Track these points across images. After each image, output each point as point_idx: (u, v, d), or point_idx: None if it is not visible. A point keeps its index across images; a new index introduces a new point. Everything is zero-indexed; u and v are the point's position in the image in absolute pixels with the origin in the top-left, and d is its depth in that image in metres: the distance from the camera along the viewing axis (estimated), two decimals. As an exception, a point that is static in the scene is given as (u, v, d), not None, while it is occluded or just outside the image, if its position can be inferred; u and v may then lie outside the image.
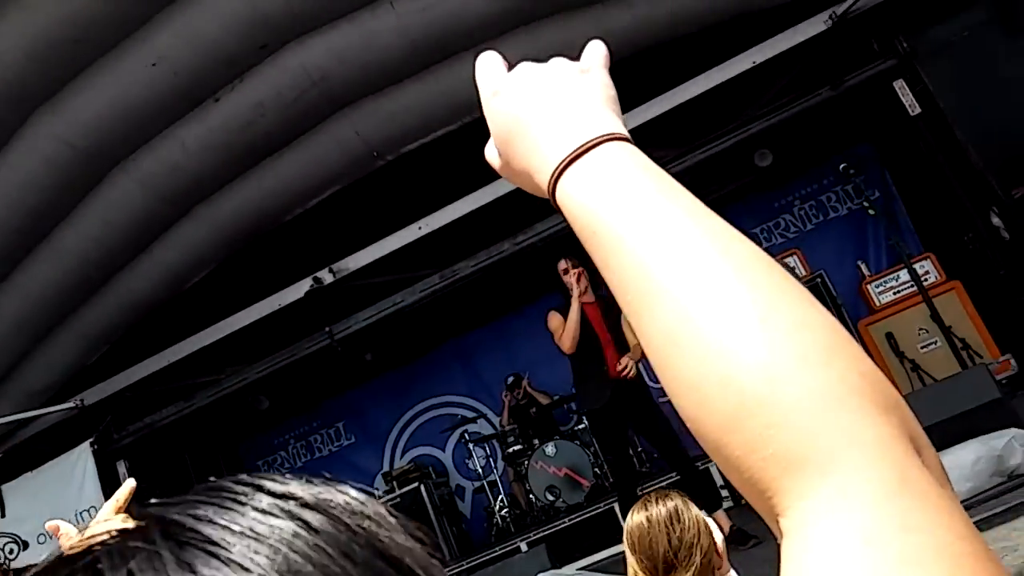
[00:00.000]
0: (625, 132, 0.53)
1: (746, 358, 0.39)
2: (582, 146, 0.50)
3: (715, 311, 0.41)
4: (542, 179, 0.52)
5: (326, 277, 7.16)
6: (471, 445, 8.25)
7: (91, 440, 7.64)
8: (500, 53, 0.61)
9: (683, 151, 6.69)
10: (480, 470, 8.19)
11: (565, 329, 5.18)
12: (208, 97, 5.75)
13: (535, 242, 6.96)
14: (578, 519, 6.95)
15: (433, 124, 6.47)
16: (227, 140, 5.93)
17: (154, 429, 7.65)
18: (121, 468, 7.77)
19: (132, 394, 7.77)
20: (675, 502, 1.98)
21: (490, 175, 5.56)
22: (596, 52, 0.59)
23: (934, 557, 0.33)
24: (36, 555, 7.50)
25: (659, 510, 1.97)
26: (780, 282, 0.43)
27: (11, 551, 7.40)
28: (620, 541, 5.39)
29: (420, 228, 7.01)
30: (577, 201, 0.49)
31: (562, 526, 6.91)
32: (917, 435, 0.39)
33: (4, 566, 5.77)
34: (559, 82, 0.56)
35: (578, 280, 5.20)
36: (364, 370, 9.58)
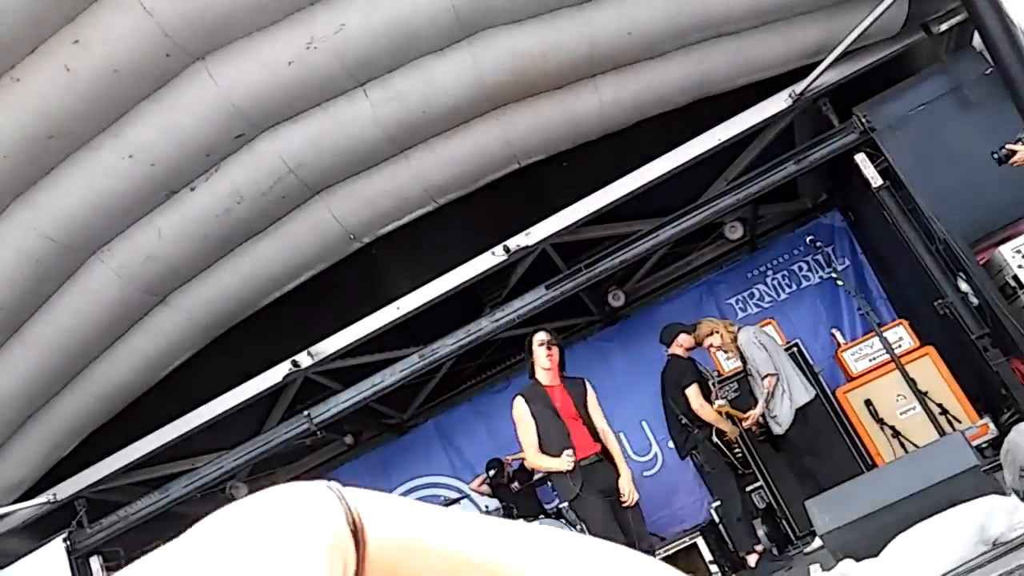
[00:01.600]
0: None
1: None
2: None
3: None
4: None
5: (304, 360, 7.12)
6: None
7: (64, 536, 7.42)
8: None
9: (657, 226, 6.81)
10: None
11: (530, 456, 5.11)
12: (184, 187, 5.81)
13: (513, 318, 6.99)
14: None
15: (408, 206, 6.56)
16: (203, 228, 5.97)
17: (128, 522, 7.44)
18: (95, 563, 7.53)
19: (106, 487, 7.59)
20: None
21: (465, 253, 5.64)
22: None
23: None
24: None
25: None
26: None
27: (-23, 657, 7.09)
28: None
29: (398, 308, 7.02)
30: None
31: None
32: None
33: None
34: None
35: (549, 358, 5.16)
36: (344, 452, 9.46)
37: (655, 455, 8.70)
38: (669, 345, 6.73)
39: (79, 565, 7.38)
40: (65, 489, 7.47)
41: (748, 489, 6.92)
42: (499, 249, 6.79)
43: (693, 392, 6.32)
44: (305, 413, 7.31)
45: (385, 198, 6.42)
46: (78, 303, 6.02)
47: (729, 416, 6.40)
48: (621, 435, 8.72)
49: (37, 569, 7.38)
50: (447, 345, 7.11)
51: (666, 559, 6.89)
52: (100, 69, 4.88)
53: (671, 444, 8.52)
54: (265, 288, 6.83)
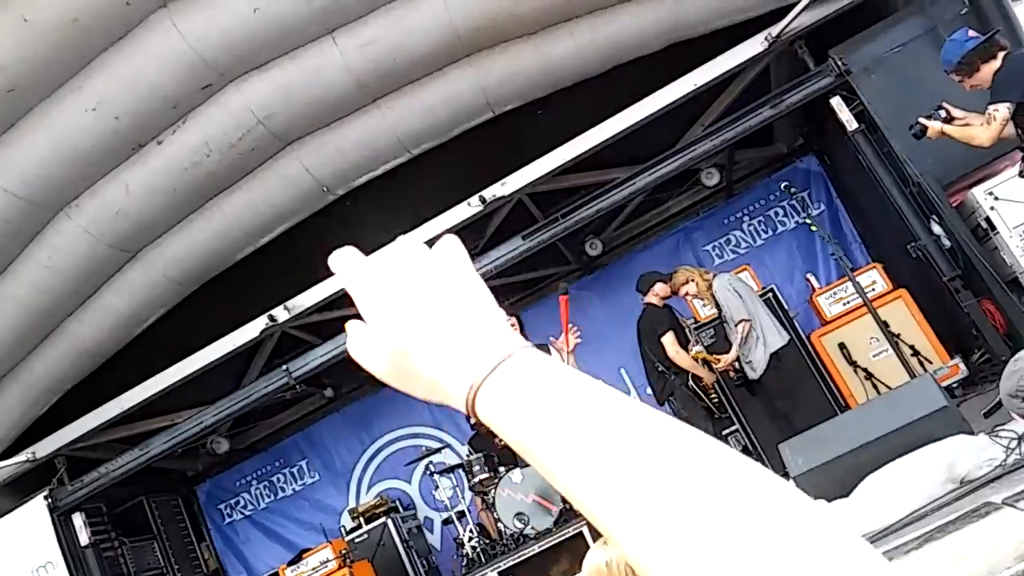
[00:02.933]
0: (518, 340, 0.53)
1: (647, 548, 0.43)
2: (492, 368, 0.51)
3: (626, 513, 0.44)
4: (456, 394, 0.52)
5: (281, 315, 7.09)
6: (437, 476, 8.17)
7: (45, 494, 7.43)
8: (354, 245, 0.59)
9: (634, 173, 6.78)
10: (447, 501, 8.12)
11: None
12: (151, 139, 5.69)
13: (489, 269, 6.98)
14: (548, 545, 6.91)
15: (381, 157, 6.48)
16: (172, 182, 5.87)
17: (109, 478, 7.45)
18: (78, 520, 7.56)
19: (86, 444, 7.58)
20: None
21: (441, 204, 5.57)
22: (456, 249, 0.60)
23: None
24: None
25: (618, 555, 1.89)
26: (679, 456, 0.45)
27: (-37, 614, 7.14)
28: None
29: (374, 261, 6.98)
30: (497, 417, 0.50)
31: (531, 553, 6.86)
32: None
33: None
34: (448, 290, 0.55)
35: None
36: (324, 406, 9.49)
37: (633, 402, 8.82)
38: (645, 294, 6.77)
39: (62, 522, 7.41)
40: (44, 447, 7.45)
41: (724, 433, 7.04)
42: (475, 199, 6.74)
43: (669, 340, 6.38)
44: (283, 367, 7.31)
45: (358, 149, 6.33)
46: (48, 260, 5.92)
47: (705, 362, 6.48)
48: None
49: (20, 526, 7.40)
50: (425, 297, 7.08)
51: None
52: (58, 18, 4.72)
53: (649, 391, 8.64)
54: (239, 242, 6.76)
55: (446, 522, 8.62)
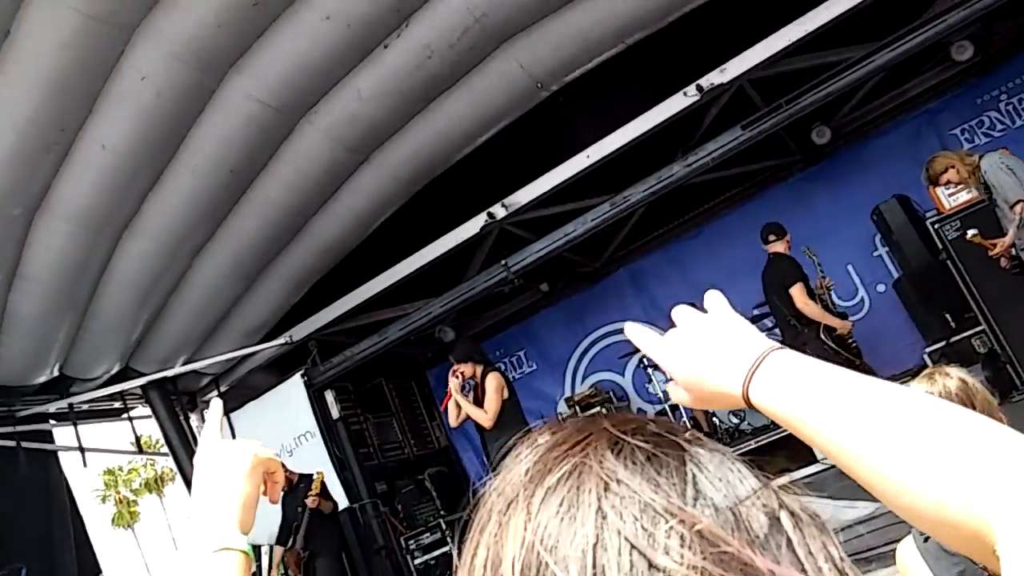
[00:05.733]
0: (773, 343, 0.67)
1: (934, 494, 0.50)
2: (759, 358, 0.63)
3: (900, 471, 0.51)
4: (733, 391, 0.65)
5: (499, 212, 7.35)
6: (650, 370, 8.29)
7: (301, 372, 8.43)
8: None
9: (872, 51, 6.17)
10: (660, 394, 8.24)
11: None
12: (378, 45, 5.97)
13: (706, 162, 6.75)
14: (765, 441, 6.85)
15: (594, 49, 6.36)
16: (398, 85, 6.16)
17: (354, 361, 8.28)
18: (329, 396, 8.53)
19: (333, 329, 8.46)
20: (960, 374, 1.81)
21: (657, 96, 5.44)
22: (719, 301, 0.75)
23: None
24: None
25: (947, 383, 1.77)
26: (936, 421, 0.52)
27: (243, 470, 8.38)
28: (813, 461, 5.20)
29: (588, 156, 7.00)
30: (767, 399, 0.62)
31: (747, 448, 6.84)
32: None
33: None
34: (715, 328, 0.71)
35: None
36: (541, 300, 9.82)
37: (862, 299, 8.31)
38: (769, 243, 6.32)
39: (316, 397, 8.40)
40: (299, 332, 8.42)
41: (967, 334, 6.48)
42: (691, 89, 6.49)
43: (798, 291, 5.97)
44: (502, 263, 7.62)
45: (571, 43, 6.26)
46: (294, 164, 6.51)
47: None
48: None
49: (283, 399, 8.49)
50: (638, 192, 7.03)
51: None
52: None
53: (880, 287, 8.11)
54: (459, 143, 7.02)
55: (659, 415, 8.76)
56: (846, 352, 6.10)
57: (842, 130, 8.11)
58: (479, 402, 5.56)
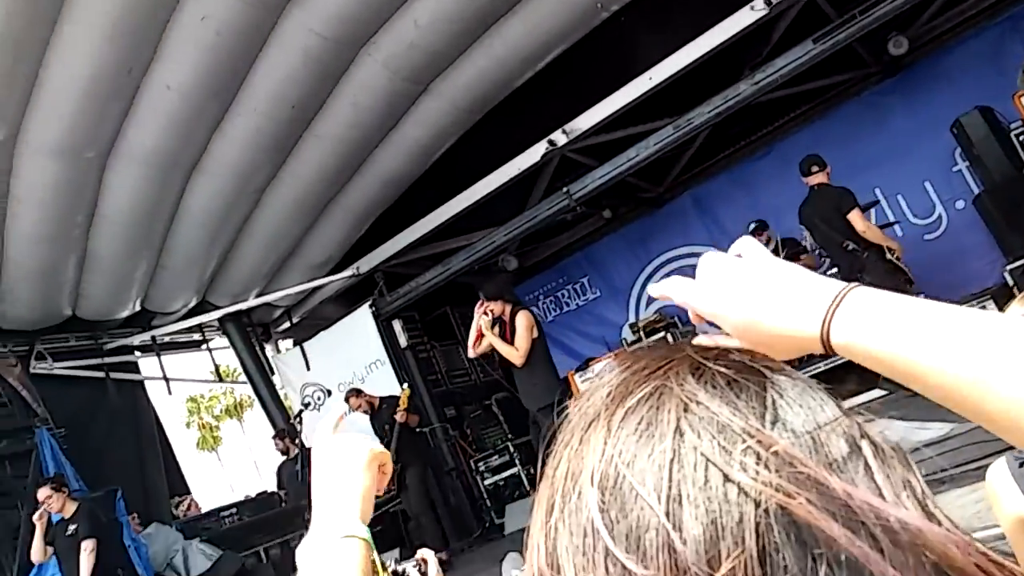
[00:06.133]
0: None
1: None
2: (838, 296, 0.56)
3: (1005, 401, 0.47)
4: (810, 334, 0.57)
5: (560, 139, 7.26)
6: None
7: (369, 303, 8.62)
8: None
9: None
10: (726, 319, 8.17)
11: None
12: (433, -29, 5.86)
13: (775, 79, 6.50)
14: (832, 365, 6.76)
15: (657, -35, 6.12)
16: (454, 11, 6.05)
17: (419, 291, 8.42)
18: (397, 325, 8.73)
19: (399, 261, 8.58)
20: None
21: (723, 12, 5.22)
22: (755, 246, 0.67)
23: None
24: (338, 400, 8.79)
25: None
26: None
27: (318, 397, 8.71)
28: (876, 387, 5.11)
29: (650, 79, 6.80)
30: (852, 338, 0.56)
31: (817, 371, 6.77)
32: None
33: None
34: (765, 267, 0.62)
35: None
36: (603, 226, 9.75)
37: (939, 216, 8.00)
38: (809, 175, 6.03)
39: (384, 327, 8.60)
40: (365, 264, 8.57)
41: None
42: (759, 2, 6.20)
43: (857, 215, 5.75)
44: (564, 190, 7.55)
45: (632, -42, 6.03)
46: (355, 97, 6.51)
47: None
48: (899, 198, 8.11)
49: (353, 329, 8.73)
50: (703, 113, 6.83)
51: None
52: None
53: (958, 204, 7.79)
54: (517, 68, 6.90)
55: (724, 339, 8.71)
56: (905, 273, 5.97)
57: (920, 40, 7.66)
58: (506, 339, 5.62)
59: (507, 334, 5.64)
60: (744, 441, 0.39)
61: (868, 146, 7.97)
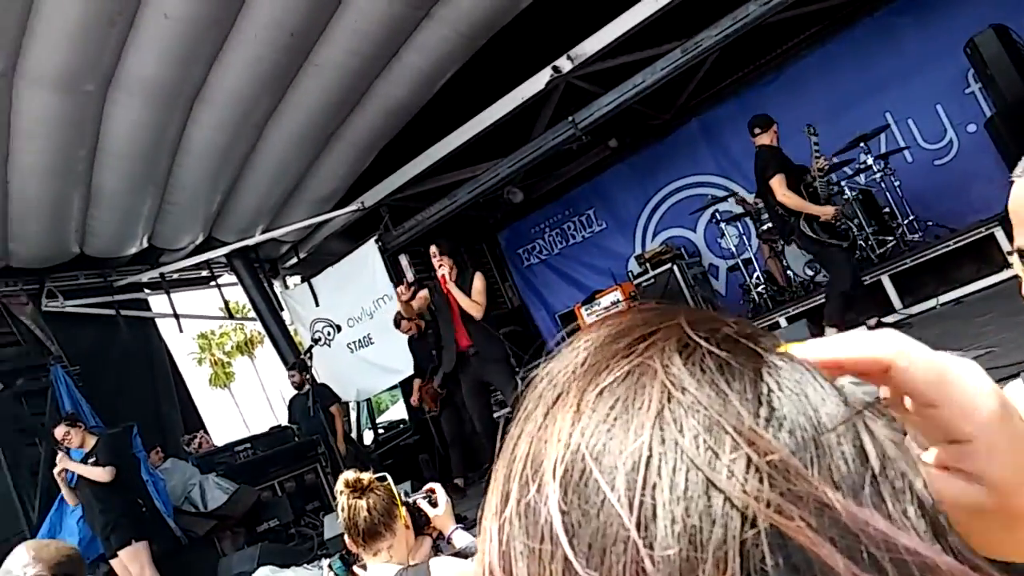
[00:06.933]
0: None
1: None
2: None
3: None
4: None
5: (565, 65, 7.12)
6: (723, 224, 8.16)
7: (375, 238, 8.61)
8: None
9: None
10: (733, 248, 8.14)
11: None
12: None
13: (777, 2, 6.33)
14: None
15: None
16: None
17: (425, 225, 8.39)
18: (403, 260, 8.73)
19: (403, 194, 8.53)
20: None
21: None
22: None
23: None
24: (348, 336, 8.85)
25: None
26: None
27: (328, 333, 8.76)
28: (895, 311, 5.10)
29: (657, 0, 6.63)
30: None
31: (822, 301, 6.77)
32: None
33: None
34: None
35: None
36: (610, 156, 9.64)
37: (949, 141, 7.87)
38: (755, 136, 5.98)
39: (391, 261, 8.60)
40: (370, 198, 8.53)
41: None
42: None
43: (777, 182, 5.81)
44: (569, 119, 7.44)
45: None
46: (355, 24, 6.37)
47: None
48: (910, 122, 7.98)
49: (360, 264, 8.74)
50: (711, 36, 6.68)
51: (958, 251, 6.49)
52: None
53: (970, 127, 7.66)
54: (521, -9, 6.73)
55: (732, 269, 8.71)
56: (835, 238, 5.95)
57: (936, -45, 7.44)
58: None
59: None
60: (734, 442, 0.34)
61: (879, 69, 7.81)
